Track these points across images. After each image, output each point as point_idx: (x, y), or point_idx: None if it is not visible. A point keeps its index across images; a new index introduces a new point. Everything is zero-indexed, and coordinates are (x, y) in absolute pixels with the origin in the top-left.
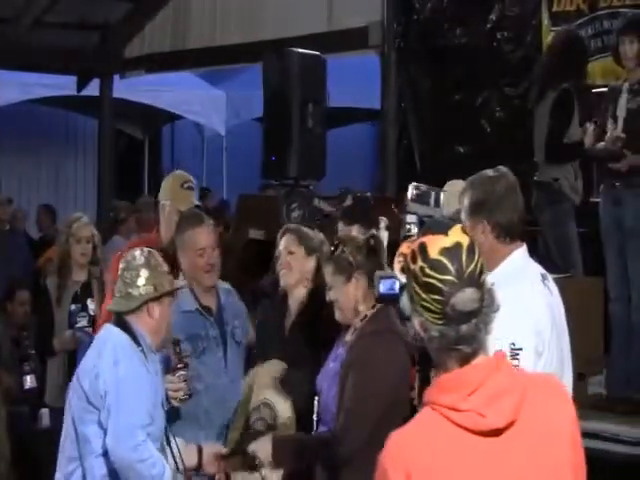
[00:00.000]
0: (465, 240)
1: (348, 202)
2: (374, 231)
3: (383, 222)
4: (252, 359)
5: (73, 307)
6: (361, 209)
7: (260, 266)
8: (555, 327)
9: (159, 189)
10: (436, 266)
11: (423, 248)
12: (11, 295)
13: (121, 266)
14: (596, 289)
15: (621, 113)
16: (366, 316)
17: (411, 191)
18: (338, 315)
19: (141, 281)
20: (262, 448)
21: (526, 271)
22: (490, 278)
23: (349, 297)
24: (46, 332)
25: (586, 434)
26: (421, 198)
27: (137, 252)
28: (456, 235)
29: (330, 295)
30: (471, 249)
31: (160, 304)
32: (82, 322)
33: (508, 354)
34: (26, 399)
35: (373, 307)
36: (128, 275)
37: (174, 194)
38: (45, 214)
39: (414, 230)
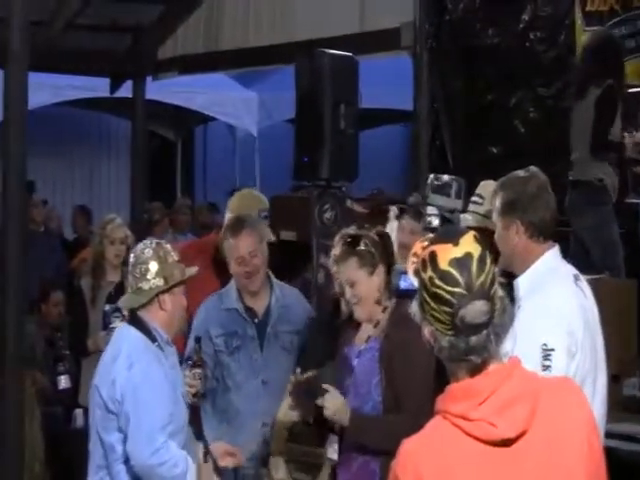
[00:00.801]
0: (476, 250)
1: (414, 199)
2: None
3: (392, 212)
4: (299, 363)
5: (107, 307)
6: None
7: (292, 267)
8: (588, 328)
9: (192, 190)
10: (445, 277)
11: (433, 257)
12: (45, 296)
13: (131, 261)
14: (630, 290)
15: None
16: (386, 307)
17: (431, 182)
18: (359, 313)
19: (151, 274)
20: (333, 402)
21: (559, 271)
22: (523, 278)
23: (373, 290)
24: (80, 332)
25: (620, 436)
26: (441, 189)
27: (145, 246)
28: (467, 245)
29: (351, 292)
30: (482, 259)
31: (172, 294)
32: (116, 322)
33: (540, 355)
34: (60, 399)
35: (390, 299)
36: (138, 269)
37: None
38: (80, 215)
39: (435, 222)
